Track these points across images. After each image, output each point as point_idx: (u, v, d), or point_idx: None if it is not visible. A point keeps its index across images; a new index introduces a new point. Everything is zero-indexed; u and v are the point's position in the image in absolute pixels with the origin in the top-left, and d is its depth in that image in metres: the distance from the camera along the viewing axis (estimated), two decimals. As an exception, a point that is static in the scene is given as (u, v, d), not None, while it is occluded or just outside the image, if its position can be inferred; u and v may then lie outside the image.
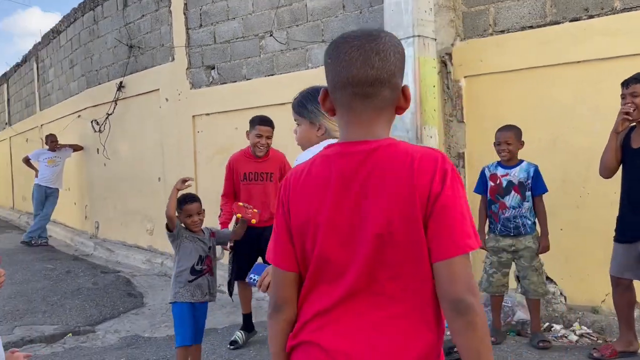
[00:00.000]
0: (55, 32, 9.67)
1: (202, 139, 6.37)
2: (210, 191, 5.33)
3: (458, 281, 1.05)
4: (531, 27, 4.22)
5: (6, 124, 13.67)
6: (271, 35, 5.50)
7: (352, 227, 1.13)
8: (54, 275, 6.54)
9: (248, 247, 3.83)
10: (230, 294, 4.11)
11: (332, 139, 2.03)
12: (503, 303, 3.85)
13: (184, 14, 6.41)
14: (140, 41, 7.12)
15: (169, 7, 6.59)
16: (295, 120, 2.20)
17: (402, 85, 1.18)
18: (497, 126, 3.96)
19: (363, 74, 1.13)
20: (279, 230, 1.22)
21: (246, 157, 4.07)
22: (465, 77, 4.52)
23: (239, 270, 3.89)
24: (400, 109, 1.20)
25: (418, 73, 4.06)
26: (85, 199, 8.90)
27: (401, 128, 4.13)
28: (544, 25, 4.16)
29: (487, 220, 3.86)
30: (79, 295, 5.80)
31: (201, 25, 6.28)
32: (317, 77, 5.45)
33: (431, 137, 4.15)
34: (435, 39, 4.29)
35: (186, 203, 3.35)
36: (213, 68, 6.21)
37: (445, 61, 4.59)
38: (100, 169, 8.20)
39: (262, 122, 3.98)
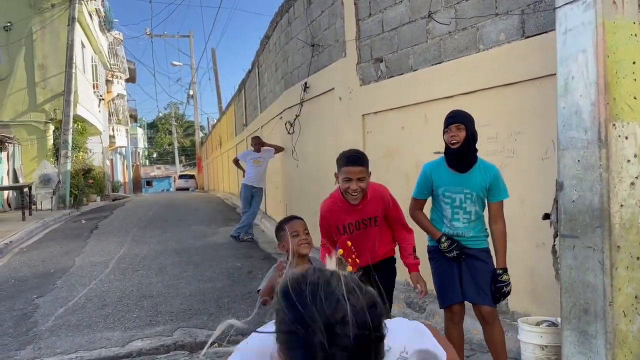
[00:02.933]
0: (266, 37, 10.16)
1: (371, 140, 5.79)
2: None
3: None
4: None
5: (244, 125, 15.17)
6: (429, 16, 4.59)
7: None
8: (236, 275, 6.75)
9: None
10: None
11: None
12: None
13: (355, 3, 5.89)
14: (320, 39, 6.86)
15: (342, -1, 6.16)
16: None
17: None
18: None
19: None
20: None
21: (339, 206, 3.14)
22: (697, 44, 2.98)
23: None
24: None
25: (602, 45, 2.77)
26: (286, 199, 9.14)
27: (577, 127, 2.90)
28: None
29: None
30: (247, 299, 5.81)
31: (370, 15, 5.68)
32: (491, 60, 4.37)
33: (626, 137, 2.81)
34: (640, -8, 2.90)
35: (290, 220, 2.87)
36: (381, 61, 5.55)
37: (665, 23, 3.11)
38: (294, 170, 8.28)
39: (349, 162, 2.99)
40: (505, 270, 2.99)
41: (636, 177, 2.83)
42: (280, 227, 2.89)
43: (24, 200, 13.29)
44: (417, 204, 3.25)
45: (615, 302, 2.77)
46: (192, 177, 44.43)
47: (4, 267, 7.90)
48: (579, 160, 2.89)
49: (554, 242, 3.90)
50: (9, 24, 16.54)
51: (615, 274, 2.77)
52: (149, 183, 56.51)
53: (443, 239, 3.05)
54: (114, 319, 5.27)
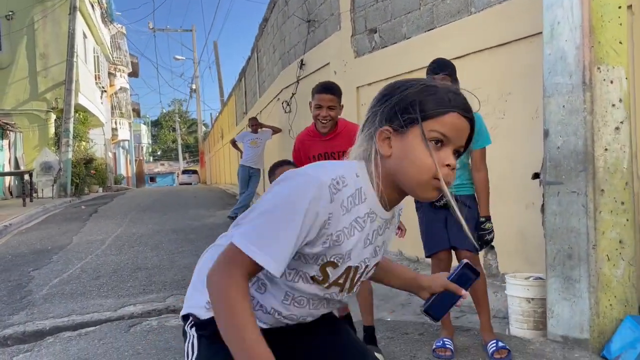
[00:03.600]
0: (264, 21, 10.15)
1: (365, 112, 5.78)
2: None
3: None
4: None
5: (244, 113, 15.18)
6: (421, -22, 4.58)
7: None
8: (232, 250, 6.76)
9: None
10: None
11: None
12: None
13: (349, -25, 5.88)
14: (316, 14, 6.86)
15: (336, -29, 6.15)
16: None
17: None
18: None
19: None
20: None
21: (311, 136, 3.22)
22: (683, -10, 2.98)
23: None
24: None
25: (587, -12, 2.76)
26: (284, 179, 9.15)
27: (562, 72, 2.89)
28: None
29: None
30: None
31: (364, -15, 5.67)
32: (483, 23, 4.37)
33: (612, 81, 2.80)
34: (625, -64, 2.89)
35: (282, 165, 2.87)
36: (375, 31, 5.54)
37: (652, -28, 3.11)
38: (292, 150, 8.28)
39: (322, 89, 3.10)
40: (488, 219, 2.98)
41: (621, 122, 2.82)
42: (271, 171, 2.92)
43: (24, 187, 13.33)
44: None
45: (599, 246, 2.76)
46: (195, 172, 44.62)
47: (2, 246, 7.93)
48: (564, 106, 2.88)
49: (543, 201, 3.89)
50: (10, 13, 16.60)
51: (599, 218, 2.77)
52: (152, 179, 56.61)
53: None
54: (107, 288, 5.29)
